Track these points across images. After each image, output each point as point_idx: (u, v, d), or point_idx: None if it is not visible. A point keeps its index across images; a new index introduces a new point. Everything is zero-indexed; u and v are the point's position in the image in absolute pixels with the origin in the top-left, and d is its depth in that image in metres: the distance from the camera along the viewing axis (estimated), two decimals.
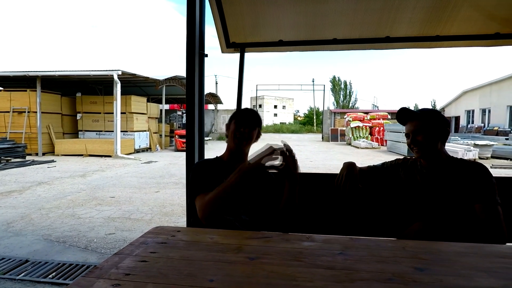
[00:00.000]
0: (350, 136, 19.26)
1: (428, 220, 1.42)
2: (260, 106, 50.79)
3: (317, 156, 12.53)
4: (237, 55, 2.37)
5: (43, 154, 11.16)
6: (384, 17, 2.07)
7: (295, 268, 0.84)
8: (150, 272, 0.80)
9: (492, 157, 11.53)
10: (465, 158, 10.40)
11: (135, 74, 11.45)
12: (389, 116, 20.86)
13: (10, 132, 11.07)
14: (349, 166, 1.68)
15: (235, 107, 2.34)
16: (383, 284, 0.77)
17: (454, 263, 0.90)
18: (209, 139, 20.42)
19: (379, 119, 20.07)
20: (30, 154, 10.98)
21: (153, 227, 1.17)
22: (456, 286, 0.76)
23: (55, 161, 9.79)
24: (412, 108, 1.67)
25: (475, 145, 11.37)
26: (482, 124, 19.62)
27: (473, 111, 22.06)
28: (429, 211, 1.45)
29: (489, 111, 19.89)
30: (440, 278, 0.80)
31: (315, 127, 39.63)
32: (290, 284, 0.76)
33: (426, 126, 1.47)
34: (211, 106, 23.77)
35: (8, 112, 11.19)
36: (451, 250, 1.01)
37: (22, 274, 2.57)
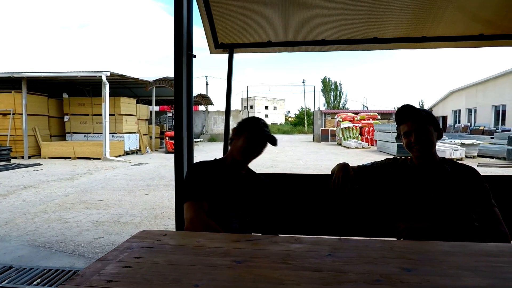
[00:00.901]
0: (341, 136, 19.42)
1: (437, 222, 1.41)
2: (251, 107, 50.80)
3: (308, 157, 12.58)
4: (227, 56, 2.35)
5: (29, 157, 10.92)
6: (372, 18, 2.08)
7: (283, 271, 0.83)
8: (133, 279, 0.78)
9: (478, 155, 11.77)
10: (452, 157, 10.59)
11: (124, 75, 11.31)
12: (378, 117, 21.11)
13: None
14: (344, 167, 1.66)
15: (224, 108, 2.33)
16: (371, 285, 0.76)
17: (441, 262, 0.90)
18: (200, 141, 20.30)
19: (368, 119, 20.29)
20: (15, 157, 10.73)
21: (139, 231, 1.14)
22: (442, 286, 0.76)
23: (42, 164, 9.58)
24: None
25: (462, 144, 11.61)
26: (469, 124, 20.02)
27: (459, 111, 22.50)
28: (433, 212, 1.44)
29: (475, 111, 20.32)
30: (427, 278, 0.80)
31: (306, 128, 39.84)
32: None
33: (430, 126, 1.46)
34: (201, 107, 23.65)
35: None
36: (438, 250, 1.01)
37: (6, 281, 2.50)
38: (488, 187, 1.39)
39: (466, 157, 11.21)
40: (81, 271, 0.81)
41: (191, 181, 1.44)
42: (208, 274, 0.80)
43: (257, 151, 1.50)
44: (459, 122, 21.82)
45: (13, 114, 10.88)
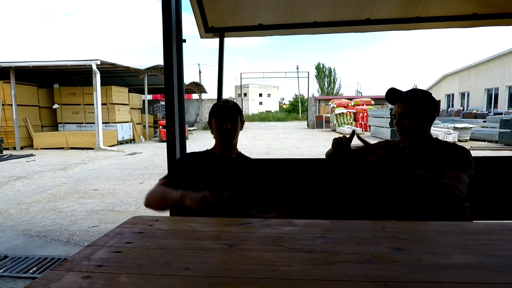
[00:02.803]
0: (335, 122, 19.43)
1: (407, 206, 1.43)
2: (245, 94, 50.48)
3: (302, 143, 12.61)
4: (217, 41, 2.30)
5: (21, 148, 10.79)
6: None
7: (274, 253, 0.83)
8: (124, 263, 0.77)
9: (471, 139, 11.90)
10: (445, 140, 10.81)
11: (115, 63, 11.09)
12: (372, 102, 21.09)
13: None
14: (353, 132, 1.66)
15: (216, 95, 2.29)
16: (362, 265, 0.77)
17: (431, 241, 0.91)
18: (195, 129, 20.20)
19: (362, 105, 20.28)
20: (7, 149, 10.59)
21: (130, 217, 1.13)
22: (433, 264, 0.77)
23: (34, 155, 9.48)
24: None
25: (455, 128, 11.70)
26: (462, 108, 20.14)
27: (453, 95, 22.58)
28: (410, 194, 1.45)
29: (468, 95, 20.41)
30: (418, 257, 0.80)
31: (300, 115, 39.78)
32: (269, 269, 0.75)
33: (412, 110, 1.45)
34: (195, 96, 23.42)
35: None
36: (429, 229, 1.02)
37: (1, 270, 2.50)
38: (472, 161, 1.38)
39: (459, 140, 11.31)
40: (71, 257, 0.81)
41: (173, 166, 1.61)
42: (199, 258, 0.80)
43: (230, 127, 1.53)
44: (452, 106, 21.93)
45: (3, 105, 10.67)
